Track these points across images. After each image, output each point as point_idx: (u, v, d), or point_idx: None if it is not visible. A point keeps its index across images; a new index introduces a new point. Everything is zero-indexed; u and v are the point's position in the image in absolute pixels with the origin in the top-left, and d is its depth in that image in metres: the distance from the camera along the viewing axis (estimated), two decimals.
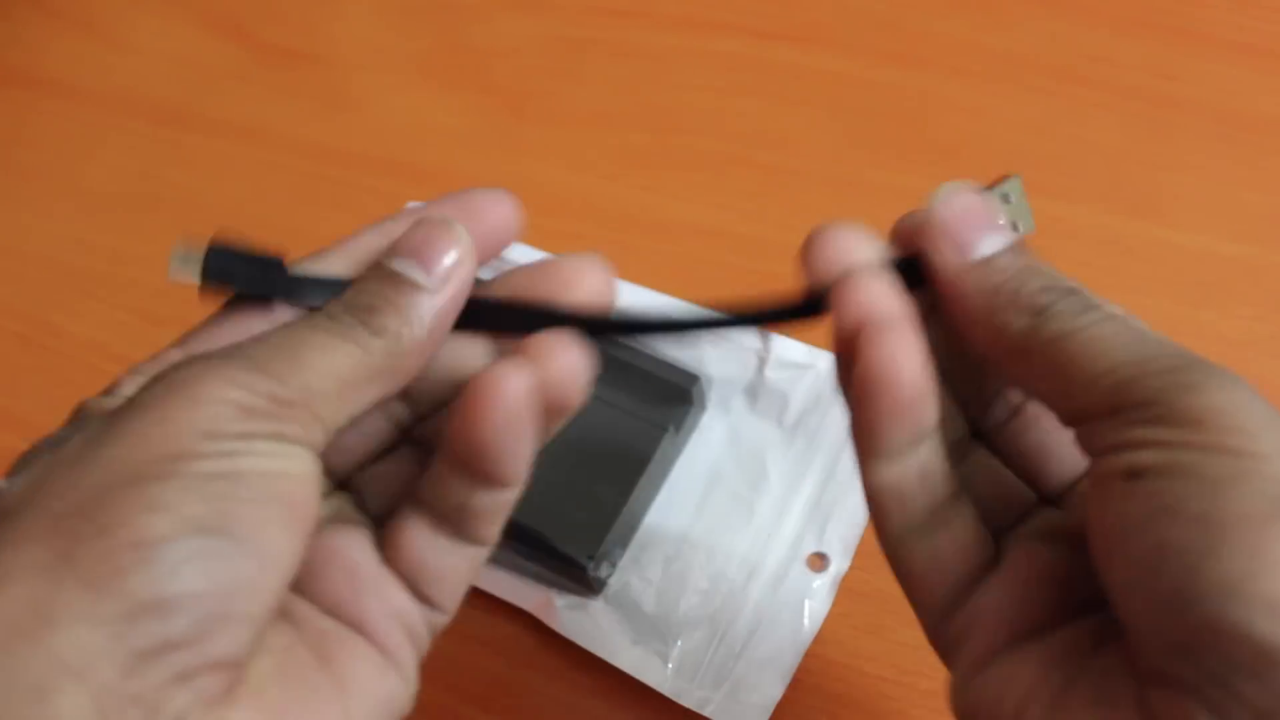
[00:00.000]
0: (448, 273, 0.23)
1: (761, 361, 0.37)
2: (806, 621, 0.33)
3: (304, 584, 0.22)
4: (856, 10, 0.47)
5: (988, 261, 0.22)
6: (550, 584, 0.34)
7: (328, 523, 0.24)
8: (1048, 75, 0.43)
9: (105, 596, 0.17)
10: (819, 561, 0.34)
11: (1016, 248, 0.22)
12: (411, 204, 0.40)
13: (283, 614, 0.22)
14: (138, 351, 0.43)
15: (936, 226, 0.22)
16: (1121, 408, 0.19)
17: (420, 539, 0.23)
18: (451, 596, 0.23)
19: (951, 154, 0.42)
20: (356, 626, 0.22)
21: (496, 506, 0.23)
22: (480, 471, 0.22)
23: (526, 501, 0.32)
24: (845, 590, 0.34)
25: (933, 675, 0.33)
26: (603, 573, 0.34)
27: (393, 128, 0.48)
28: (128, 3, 0.55)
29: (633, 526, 0.35)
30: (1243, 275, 0.38)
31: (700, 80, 0.47)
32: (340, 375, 0.21)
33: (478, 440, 0.21)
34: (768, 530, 0.34)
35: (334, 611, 0.22)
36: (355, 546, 0.23)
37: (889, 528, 0.23)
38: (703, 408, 0.37)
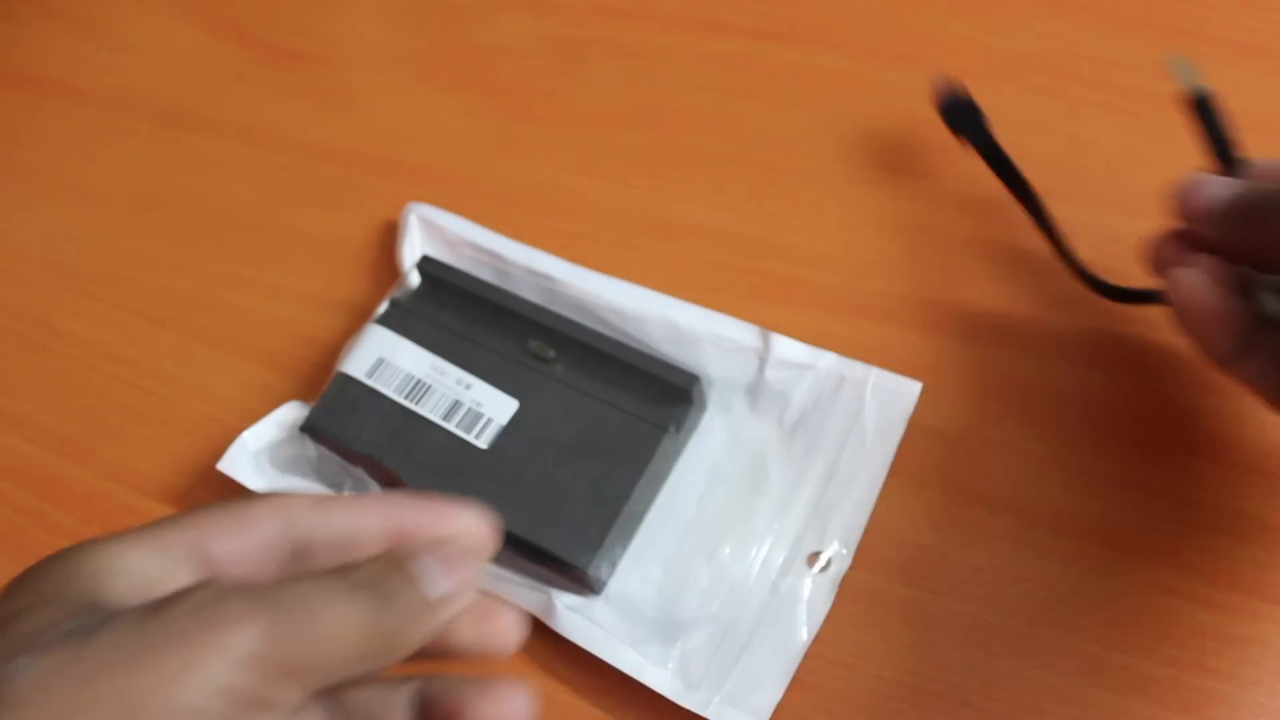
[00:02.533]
0: (457, 589, 0.23)
1: (762, 361, 0.36)
2: (806, 621, 0.33)
3: None
4: (856, 10, 0.47)
5: (1233, 204, 0.30)
6: (551, 584, 0.34)
7: None
8: (1048, 75, 0.43)
9: None
10: (819, 561, 0.34)
11: (1247, 184, 0.30)
12: (415, 205, 0.40)
13: None
14: (138, 352, 0.43)
15: (1181, 212, 0.31)
16: None
17: None
18: None
19: (952, 154, 0.42)
20: None
21: None
22: None
23: (526, 504, 0.33)
24: (845, 590, 0.34)
25: (933, 675, 0.33)
26: (603, 573, 0.33)
27: (393, 128, 0.48)
28: (128, 3, 0.55)
29: (633, 527, 0.35)
30: None
31: (700, 80, 0.47)
32: (345, 656, 0.21)
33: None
34: (768, 530, 0.34)
35: None
36: None
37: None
38: (703, 408, 0.36)
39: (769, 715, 0.31)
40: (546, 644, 0.34)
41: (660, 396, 0.35)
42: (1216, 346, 0.31)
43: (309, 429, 0.36)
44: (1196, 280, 0.30)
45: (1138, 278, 0.38)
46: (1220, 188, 0.31)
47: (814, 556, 0.34)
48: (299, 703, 0.21)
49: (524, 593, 0.34)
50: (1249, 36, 0.43)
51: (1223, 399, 0.36)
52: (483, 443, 0.34)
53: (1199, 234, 0.31)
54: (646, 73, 0.47)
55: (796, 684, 0.32)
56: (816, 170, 0.43)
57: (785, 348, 0.37)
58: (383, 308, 0.37)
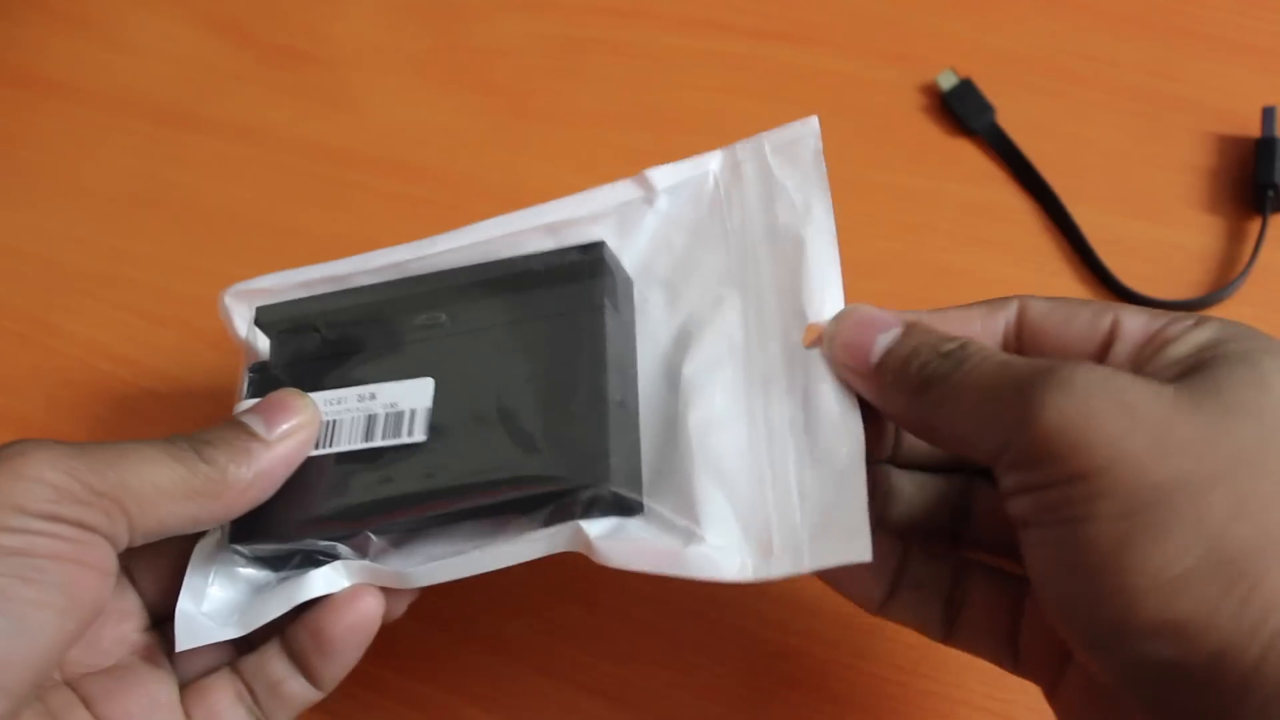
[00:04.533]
0: (286, 433, 0.27)
1: (650, 202, 0.32)
2: (839, 399, 0.26)
3: (98, 696, 0.26)
4: (856, 10, 0.47)
5: (880, 365, 0.24)
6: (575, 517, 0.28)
7: (142, 657, 0.28)
8: (1048, 75, 0.43)
9: None
10: (816, 332, 0.28)
11: (905, 333, 0.25)
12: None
13: (53, 716, 0.25)
14: (138, 352, 0.43)
15: (832, 361, 0.26)
16: (993, 454, 0.21)
17: (225, 699, 0.27)
18: None
19: (953, 154, 0.43)
20: None
21: (299, 701, 0.28)
22: (311, 663, 0.27)
23: (504, 461, 0.28)
24: None
25: (933, 675, 0.33)
26: (626, 483, 0.28)
27: (393, 128, 0.48)
28: (128, 3, 0.55)
29: (632, 427, 0.29)
30: None
31: (700, 80, 0.47)
32: (158, 484, 0.24)
33: (328, 636, 0.26)
34: (751, 342, 0.29)
35: None
36: (160, 683, 0.27)
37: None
38: (627, 280, 0.31)
39: (865, 515, 0.24)
40: (546, 643, 0.34)
41: (573, 282, 0.30)
42: (865, 597, 0.27)
43: (236, 542, 0.29)
44: None
45: (1139, 277, 0.38)
46: (893, 338, 0.25)
47: (808, 332, 0.28)
48: (113, 529, 0.24)
49: (546, 540, 0.28)
50: (1249, 36, 0.43)
51: None
52: (419, 436, 0.29)
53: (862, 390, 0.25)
54: (646, 73, 0.47)
55: (796, 684, 0.32)
56: None
57: (665, 174, 0.32)
58: (243, 386, 0.32)
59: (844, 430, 0.26)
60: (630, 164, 0.44)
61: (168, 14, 0.54)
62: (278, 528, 0.29)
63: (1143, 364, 0.22)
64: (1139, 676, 0.19)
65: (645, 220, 0.32)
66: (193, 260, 0.46)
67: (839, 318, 0.26)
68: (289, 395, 0.28)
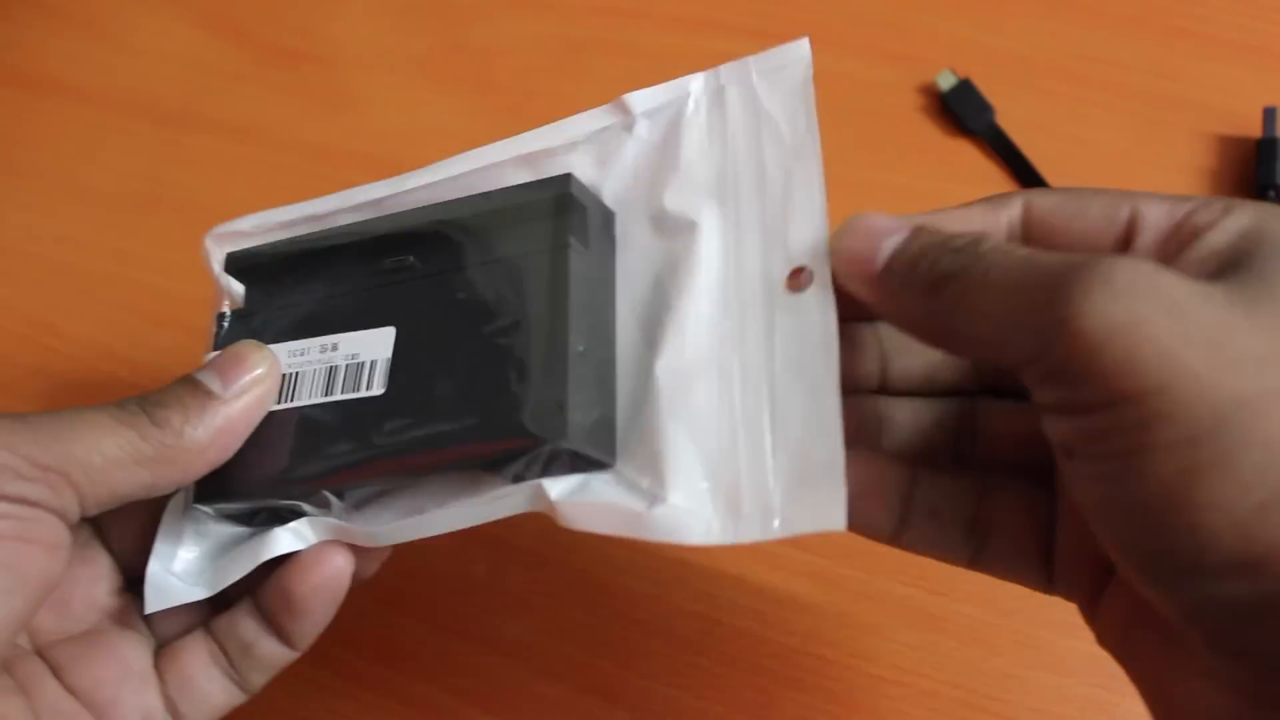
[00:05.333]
0: (243, 388, 0.26)
1: (628, 127, 0.30)
2: (822, 344, 0.24)
3: (67, 663, 0.25)
4: (856, 10, 0.47)
5: (886, 269, 0.22)
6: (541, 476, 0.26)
7: (114, 620, 0.27)
8: (1048, 75, 0.43)
9: None
10: (800, 278, 0.25)
11: (912, 235, 0.22)
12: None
13: (21, 687, 0.24)
14: (138, 352, 0.43)
15: (838, 274, 0.23)
16: (1023, 362, 0.19)
17: (197, 660, 0.26)
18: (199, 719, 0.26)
19: (952, 154, 0.42)
20: (101, 711, 0.25)
21: (273, 661, 0.27)
22: (281, 623, 0.26)
23: (461, 413, 0.26)
24: (845, 590, 0.34)
25: (933, 675, 0.33)
26: (587, 436, 0.25)
27: (393, 128, 0.48)
28: (128, 3, 0.55)
29: (607, 376, 0.27)
30: None
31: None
32: (106, 453, 0.23)
33: (296, 595, 0.25)
34: (729, 282, 0.26)
35: (86, 692, 0.25)
36: (133, 646, 0.26)
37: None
38: (602, 215, 0.29)
39: (841, 473, 0.22)
40: (546, 643, 0.34)
41: (538, 220, 0.28)
42: (873, 529, 0.25)
43: (200, 502, 0.28)
44: None
45: None
46: (899, 240, 0.23)
47: (792, 276, 0.26)
48: (61, 503, 0.23)
49: (508, 500, 0.26)
50: (1249, 36, 0.43)
51: None
52: (376, 389, 0.28)
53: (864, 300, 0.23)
54: (646, 73, 0.47)
55: (796, 684, 0.32)
56: None
57: (643, 99, 0.30)
58: (211, 335, 0.31)
59: (822, 381, 0.23)
60: None
61: (168, 14, 0.54)
62: (240, 486, 0.28)
63: (1173, 258, 0.20)
64: (1212, 615, 0.17)
65: (625, 148, 0.29)
66: (193, 260, 0.46)
67: (842, 230, 0.24)
68: (246, 348, 0.27)
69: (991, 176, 0.42)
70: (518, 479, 0.26)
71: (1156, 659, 0.20)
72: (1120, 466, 0.17)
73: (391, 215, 0.30)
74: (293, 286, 0.31)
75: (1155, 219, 0.21)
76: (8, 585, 0.22)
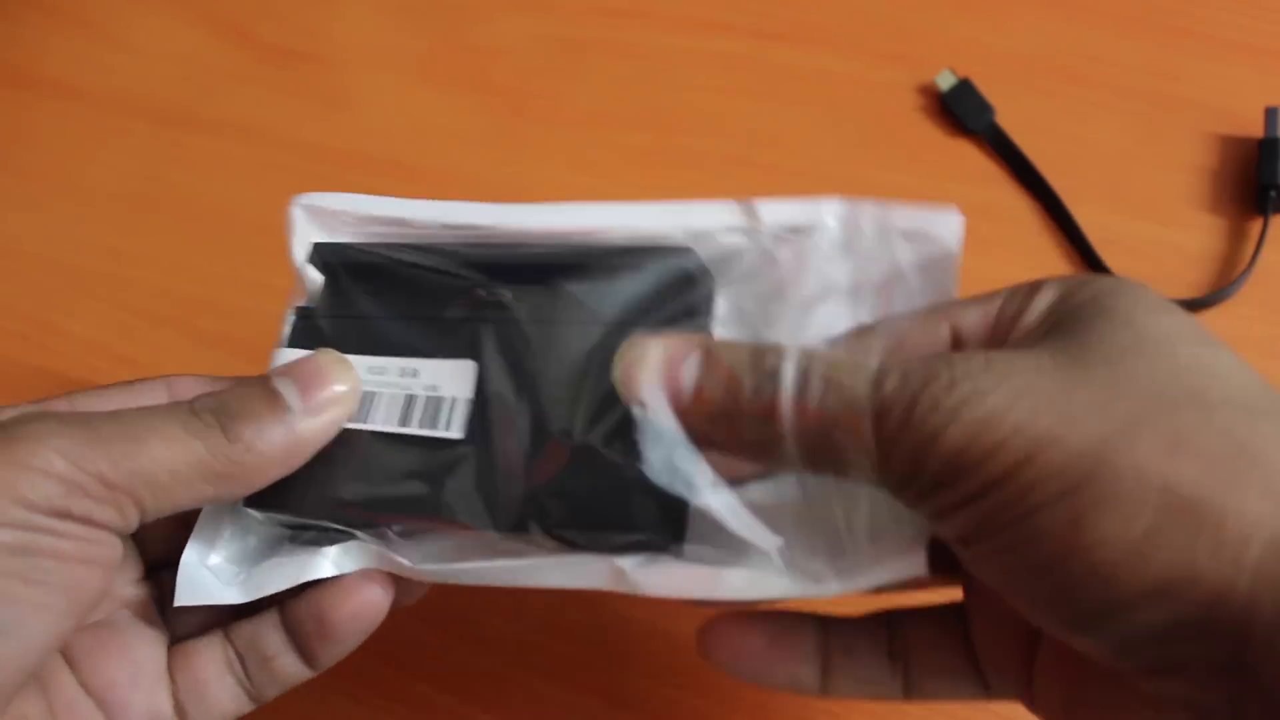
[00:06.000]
0: (321, 405, 0.25)
1: (752, 237, 0.27)
2: None
3: (82, 657, 0.25)
4: (856, 10, 0.47)
5: (695, 397, 0.21)
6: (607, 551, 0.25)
7: (132, 612, 0.26)
8: (1048, 75, 0.43)
9: None
10: None
11: (704, 361, 0.22)
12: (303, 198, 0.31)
13: (40, 683, 0.24)
14: (138, 351, 0.43)
15: (645, 402, 0.22)
16: (897, 487, 0.20)
17: (213, 666, 0.25)
18: None
19: (952, 154, 0.42)
20: (112, 712, 0.24)
21: (291, 678, 0.26)
22: (309, 644, 0.25)
23: (550, 486, 0.25)
24: None
25: None
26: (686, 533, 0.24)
27: (393, 128, 0.48)
28: (128, 3, 0.55)
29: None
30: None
31: (700, 80, 0.47)
32: (176, 470, 0.22)
33: (331, 620, 0.25)
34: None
35: (100, 691, 0.24)
36: (148, 644, 0.26)
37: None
38: (711, 299, 0.27)
39: (924, 538, 0.22)
40: (546, 643, 0.34)
41: (665, 290, 0.26)
42: (802, 679, 0.25)
43: (251, 506, 0.26)
44: (746, 651, 0.25)
45: (1139, 277, 0.38)
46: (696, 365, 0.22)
47: None
48: (124, 523, 0.22)
49: (579, 572, 0.24)
50: (1249, 36, 0.43)
51: None
52: (455, 431, 0.26)
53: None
54: (646, 73, 0.47)
55: None
56: (816, 170, 0.43)
57: (776, 211, 0.27)
58: (286, 327, 0.29)
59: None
60: (630, 164, 0.45)
61: (168, 14, 0.54)
62: (298, 501, 0.26)
63: (998, 348, 0.21)
64: (1135, 647, 0.18)
65: (744, 252, 0.27)
66: (193, 260, 0.46)
67: (625, 354, 0.22)
68: (330, 362, 0.25)
69: (991, 176, 0.42)
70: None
71: (1102, 712, 0.22)
72: (1015, 535, 0.18)
73: (494, 246, 0.28)
74: (376, 294, 0.29)
75: (971, 325, 0.23)
76: (63, 608, 0.21)
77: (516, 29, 0.50)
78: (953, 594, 0.26)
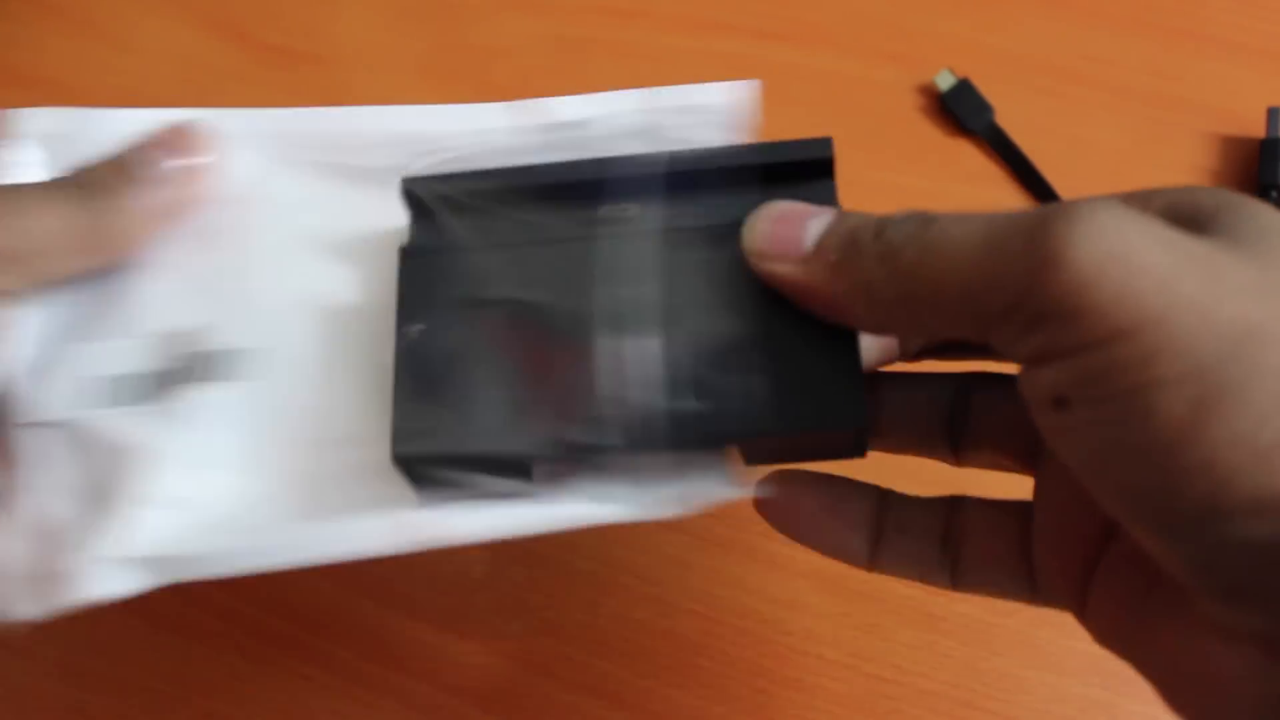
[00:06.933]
0: (181, 174, 0.24)
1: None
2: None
3: None
4: (856, 10, 0.47)
5: (819, 248, 0.21)
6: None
7: None
8: (1048, 75, 0.43)
9: None
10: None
11: (838, 217, 0.21)
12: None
13: None
14: None
15: (755, 255, 0.22)
16: (1000, 316, 0.18)
17: None
18: None
19: (952, 154, 0.42)
20: None
21: None
22: None
23: (728, 390, 0.22)
24: (845, 589, 0.34)
25: (932, 675, 0.33)
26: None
27: None
28: (128, 3, 0.55)
29: None
30: None
31: (700, 80, 0.46)
32: (53, 235, 0.23)
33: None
34: None
35: None
36: None
37: None
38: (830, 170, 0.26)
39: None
40: (546, 642, 0.34)
41: (801, 185, 0.25)
42: (850, 549, 0.25)
43: (401, 461, 0.23)
44: (797, 498, 0.24)
45: None
46: (825, 221, 0.21)
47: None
48: (21, 289, 0.23)
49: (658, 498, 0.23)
50: (1249, 36, 0.43)
51: None
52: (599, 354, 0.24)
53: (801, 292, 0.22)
54: (646, 73, 0.47)
55: (796, 684, 0.32)
56: None
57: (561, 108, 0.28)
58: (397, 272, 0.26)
59: None
60: None
61: (168, 14, 0.54)
62: (451, 440, 0.23)
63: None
64: (1228, 561, 0.16)
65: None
66: None
67: (757, 216, 0.22)
68: (183, 133, 0.25)
69: (991, 176, 0.42)
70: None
71: (1160, 636, 0.19)
72: (1123, 407, 0.16)
73: (598, 160, 0.27)
74: (476, 225, 0.27)
75: None
76: None
77: (516, 29, 0.50)
78: (1022, 490, 0.24)
